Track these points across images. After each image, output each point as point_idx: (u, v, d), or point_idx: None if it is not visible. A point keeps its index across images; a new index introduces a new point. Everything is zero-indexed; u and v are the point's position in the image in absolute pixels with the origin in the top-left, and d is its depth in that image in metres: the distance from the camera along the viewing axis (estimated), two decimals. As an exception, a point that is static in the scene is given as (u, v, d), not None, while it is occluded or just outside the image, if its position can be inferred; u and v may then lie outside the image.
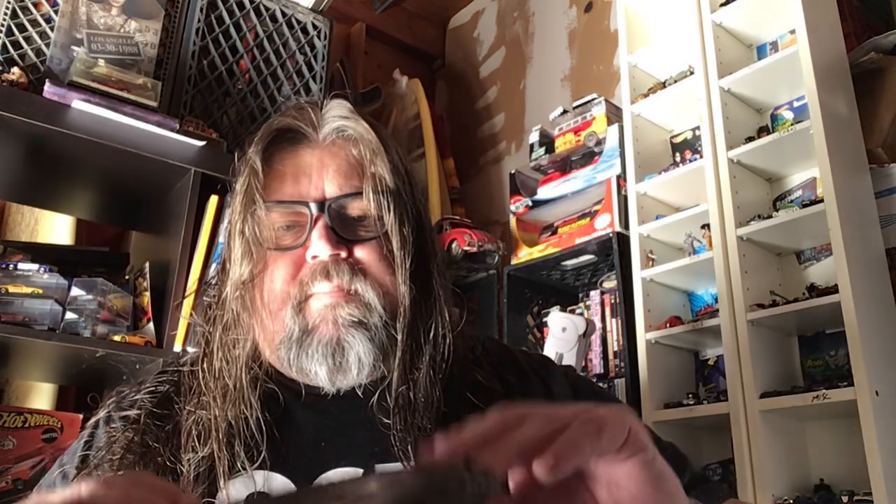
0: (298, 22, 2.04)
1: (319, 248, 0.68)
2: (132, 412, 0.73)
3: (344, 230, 0.70)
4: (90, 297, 1.55)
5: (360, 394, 0.71)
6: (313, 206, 0.69)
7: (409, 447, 0.65)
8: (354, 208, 0.71)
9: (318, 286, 0.68)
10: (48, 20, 1.63)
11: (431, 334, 0.70)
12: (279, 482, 0.67)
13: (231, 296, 0.71)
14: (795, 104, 1.92)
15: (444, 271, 0.75)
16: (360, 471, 0.67)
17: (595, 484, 0.42)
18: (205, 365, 0.72)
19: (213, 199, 1.66)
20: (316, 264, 0.68)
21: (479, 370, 0.73)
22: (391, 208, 0.70)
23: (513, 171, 2.50)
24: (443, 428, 0.65)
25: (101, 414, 0.75)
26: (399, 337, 0.69)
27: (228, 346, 0.71)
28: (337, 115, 0.74)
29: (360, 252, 0.70)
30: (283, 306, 0.69)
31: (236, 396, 0.69)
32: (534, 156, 2.42)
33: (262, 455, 0.67)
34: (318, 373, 0.68)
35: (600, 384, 2.01)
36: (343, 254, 0.69)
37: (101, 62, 1.62)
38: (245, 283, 0.70)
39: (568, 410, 0.40)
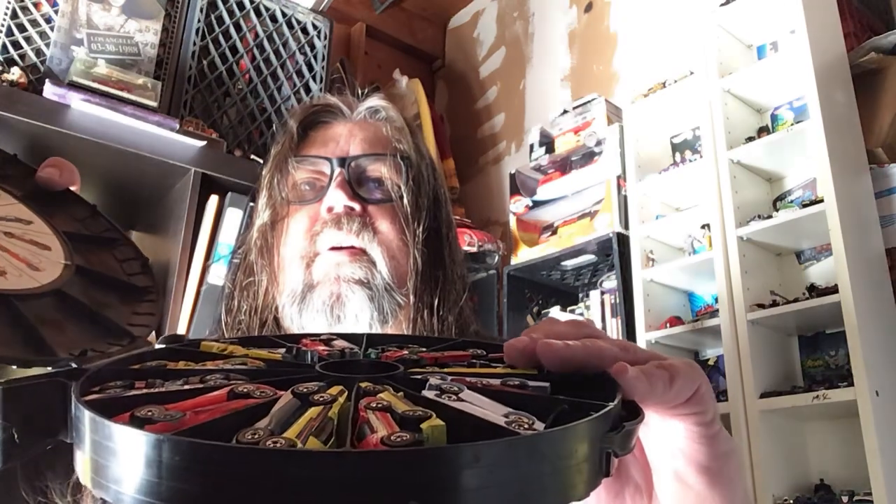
0: (298, 22, 2.04)
1: (335, 198, 0.70)
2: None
3: (361, 188, 0.73)
4: (90, 297, 1.55)
5: None
6: (335, 162, 0.73)
7: None
8: (373, 170, 0.74)
9: (328, 235, 0.70)
10: (48, 20, 1.63)
11: (437, 302, 0.71)
12: None
13: (252, 240, 0.74)
14: (795, 104, 1.92)
15: (458, 251, 0.78)
16: None
17: (647, 433, 0.39)
18: (226, 315, 0.75)
19: (213, 199, 1.66)
20: (329, 217, 0.70)
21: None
22: (409, 177, 0.73)
23: (513, 171, 2.50)
24: None
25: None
26: (411, 299, 0.70)
27: (245, 291, 0.74)
28: (373, 100, 0.80)
29: (374, 211, 0.72)
30: (294, 261, 0.71)
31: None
32: (534, 156, 2.42)
33: None
34: (316, 324, 0.69)
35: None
36: (357, 208, 0.71)
37: (101, 62, 1.62)
38: (265, 229, 0.73)
39: (643, 350, 0.37)
